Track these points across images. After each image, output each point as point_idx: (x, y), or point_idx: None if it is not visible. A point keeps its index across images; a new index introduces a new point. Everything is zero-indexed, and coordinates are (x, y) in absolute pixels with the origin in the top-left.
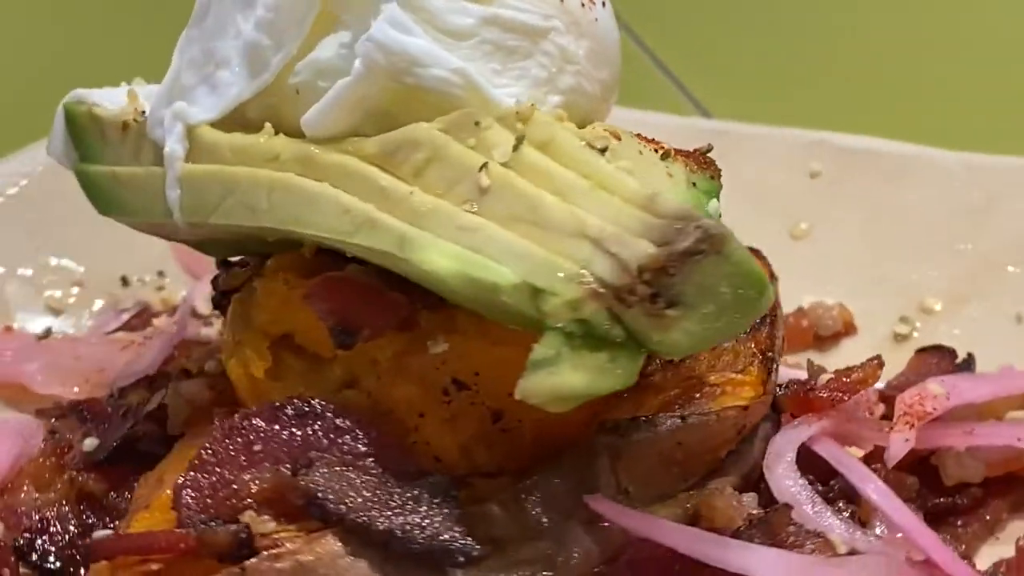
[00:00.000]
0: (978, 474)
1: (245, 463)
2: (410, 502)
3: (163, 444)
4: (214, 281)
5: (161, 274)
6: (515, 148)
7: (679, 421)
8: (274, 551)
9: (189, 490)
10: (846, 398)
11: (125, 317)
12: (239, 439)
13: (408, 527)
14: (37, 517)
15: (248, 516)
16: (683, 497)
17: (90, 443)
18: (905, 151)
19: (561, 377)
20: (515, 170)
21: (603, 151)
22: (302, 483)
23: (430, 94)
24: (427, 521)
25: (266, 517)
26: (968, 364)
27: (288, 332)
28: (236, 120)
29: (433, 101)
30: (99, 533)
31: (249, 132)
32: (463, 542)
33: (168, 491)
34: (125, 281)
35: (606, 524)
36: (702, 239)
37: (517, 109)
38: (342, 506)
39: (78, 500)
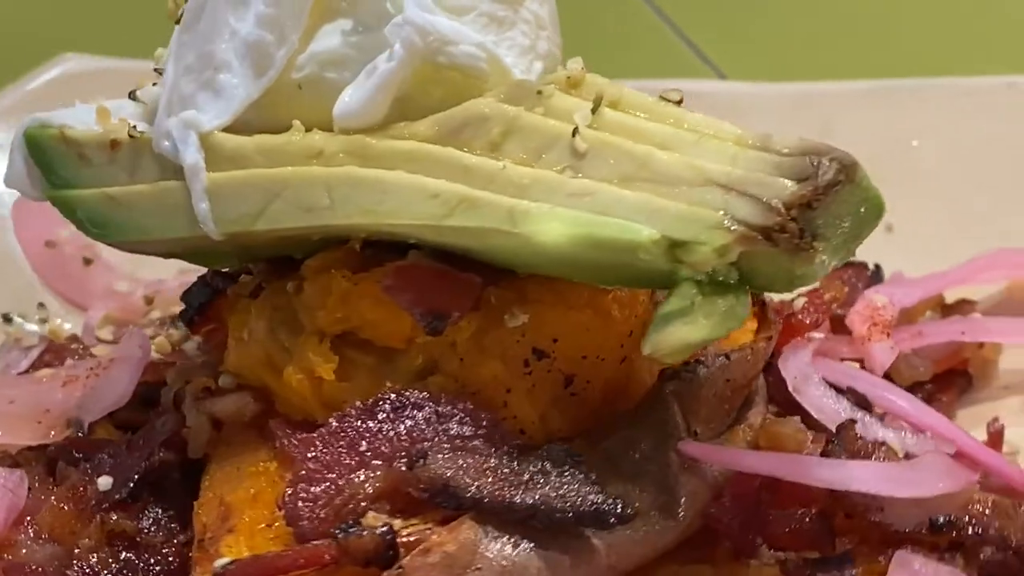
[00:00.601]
0: (927, 372)
1: (355, 464)
2: (538, 475)
3: (178, 469)
4: (186, 296)
5: (42, 306)
6: (594, 111)
7: (725, 359)
8: (423, 546)
9: (300, 503)
10: (824, 318)
11: (35, 354)
12: (343, 442)
13: (549, 499)
14: (81, 568)
15: (371, 517)
16: (739, 431)
17: (105, 482)
18: None
19: (692, 326)
20: (605, 131)
21: (679, 103)
22: (424, 475)
23: (457, 71)
24: (564, 489)
25: (385, 516)
26: (878, 275)
27: (349, 329)
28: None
29: (455, 79)
30: (222, 562)
31: (246, 134)
32: (611, 503)
33: (246, 514)
34: (7, 318)
35: (699, 467)
36: (840, 170)
37: (568, 74)
38: (474, 490)
39: (109, 542)
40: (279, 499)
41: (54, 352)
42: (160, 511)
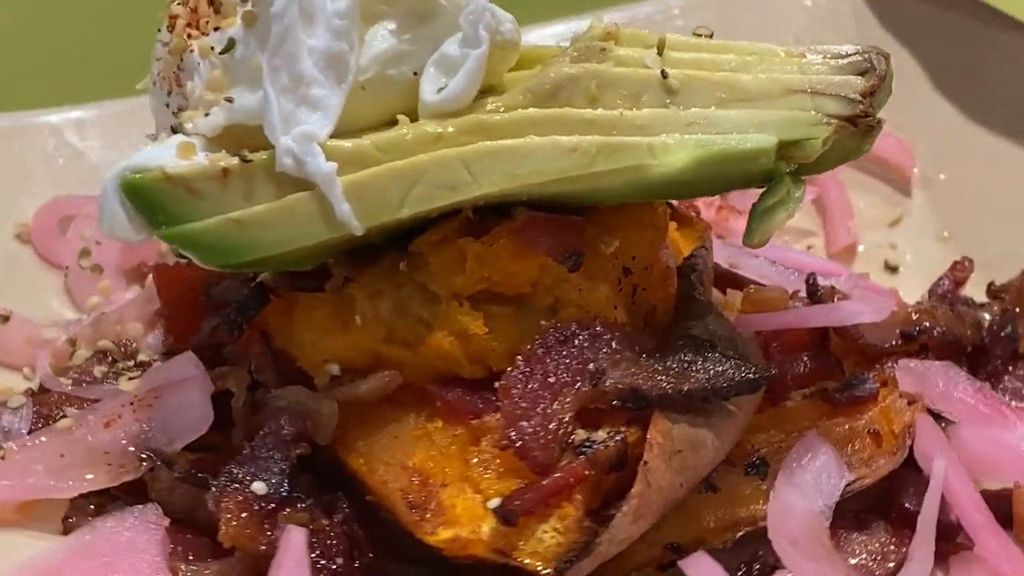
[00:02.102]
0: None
1: (550, 396)
2: (690, 364)
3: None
4: (241, 306)
5: None
6: (660, 53)
7: (704, 250)
8: (648, 442)
9: (525, 438)
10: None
11: (28, 412)
12: (535, 381)
13: (712, 380)
14: None
15: (582, 433)
16: (726, 303)
17: (260, 487)
18: None
19: (786, 212)
20: (680, 68)
21: (711, 36)
22: (611, 388)
23: (506, 48)
24: (716, 370)
25: (583, 431)
26: None
27: (483, 288)
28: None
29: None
30: (495, 503)
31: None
32: (755, 371)
33: (445, 469)
34: None
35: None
36: (886, 61)
37: (607, 30)
38: (656, 390)
39: None
40: (498, 442)
41: (44, 406)
42: (311, 499)
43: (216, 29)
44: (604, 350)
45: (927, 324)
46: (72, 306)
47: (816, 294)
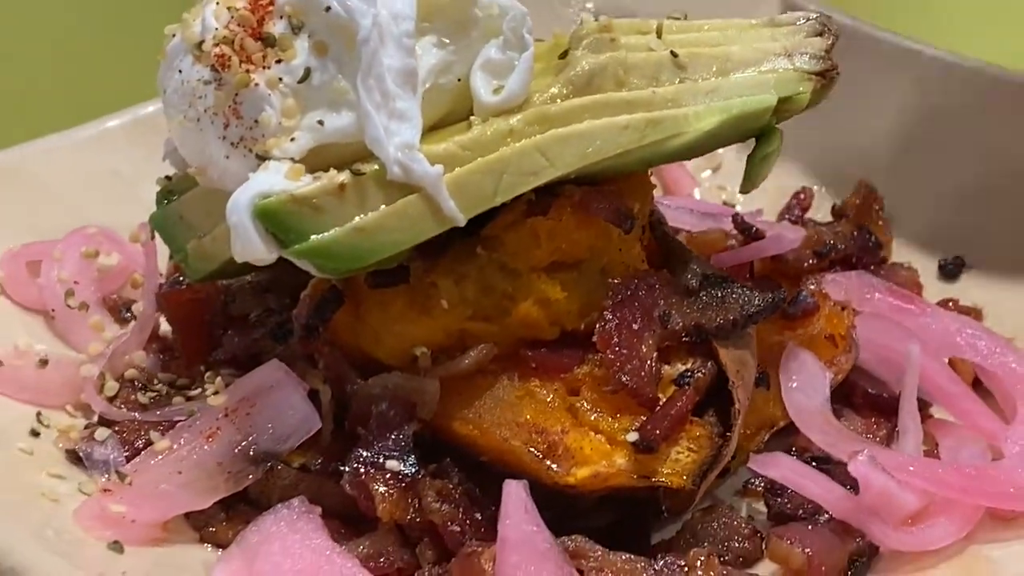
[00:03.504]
0: None
1: (638, 341)
2: (727, 296)
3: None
4: (317, 310)
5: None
6: (659, 36)
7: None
8: (727, 370)
9: (631, 377)
10: None
11: (116, 442)
12: (624, 331)
13: (746, 307)
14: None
15: (667, 369)
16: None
17: (394, 465)
18: None
19: (774, 159)
20: (681, 48)
21: (686, 17)
22: (680, 326)
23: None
24: (744, 299)
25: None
26: None
27: (554, 260)
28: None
29: None
30: (632, 436)
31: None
32: (773, 295)
33: (558, 420)
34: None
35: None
36: (833, 21)
37: (603, 24)
38: (712, 323)
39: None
40: (608, 385)
41: (123, 434)
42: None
43: (278, 62)
44: (660, 297)
45: (831, 242)
46: (65, 345)
47: (750, 231)
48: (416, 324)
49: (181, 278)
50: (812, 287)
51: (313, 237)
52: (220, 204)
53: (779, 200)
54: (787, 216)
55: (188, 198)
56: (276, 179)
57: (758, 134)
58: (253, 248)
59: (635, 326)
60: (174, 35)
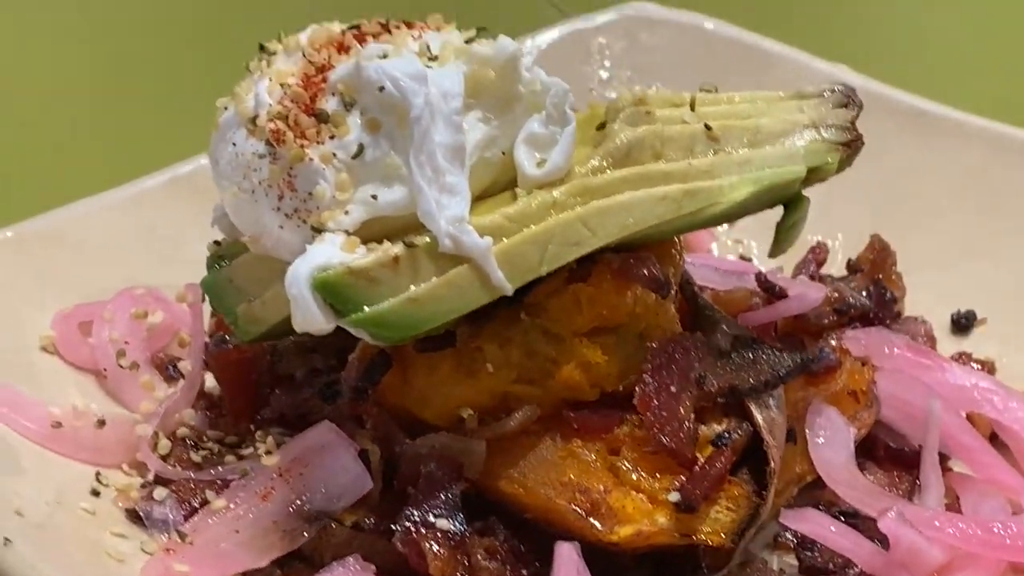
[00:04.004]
0: None
1: (674, 403)
2: (758, 357)
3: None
4: (364, 373)
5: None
6: (692, 109)
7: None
8: (762, 431)
9: (671, 438)
10: None
11: (173, 502)
12: (663, 394)
13: (778, 367)
14: None
15: (704, 429)
16: None
17: (444, 524)
18: None
19: (803, 225)
20: (713, 119)
21: (716, 90)
22: (715, 387)
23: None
24: (775, 359)
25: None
26: None
27: (596, 325)
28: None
29: None
30: (674, 495)
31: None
32: (803, 356)
33: (600, 478)
34: (98, 481)
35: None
36: (855, 92)
37: (639, 96)
38: (746, 384)
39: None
40: (647, 447)
41: (179, 493)
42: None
43: (331, 137)
44: (696, 359)
45: (850, 300)
46: (117, 404)
47: (774, 290)
48: (462, 386)
49: (226, 336)
50: (833, 343)
51: (369, 308)
52: (270, 270)
53: (793, 253)
54: (803, 270)
55: (238, 263)
56: (333, 252)
57: (786, 202)
58: (313, 319)
59: (673, 388)
60: (226, 108)
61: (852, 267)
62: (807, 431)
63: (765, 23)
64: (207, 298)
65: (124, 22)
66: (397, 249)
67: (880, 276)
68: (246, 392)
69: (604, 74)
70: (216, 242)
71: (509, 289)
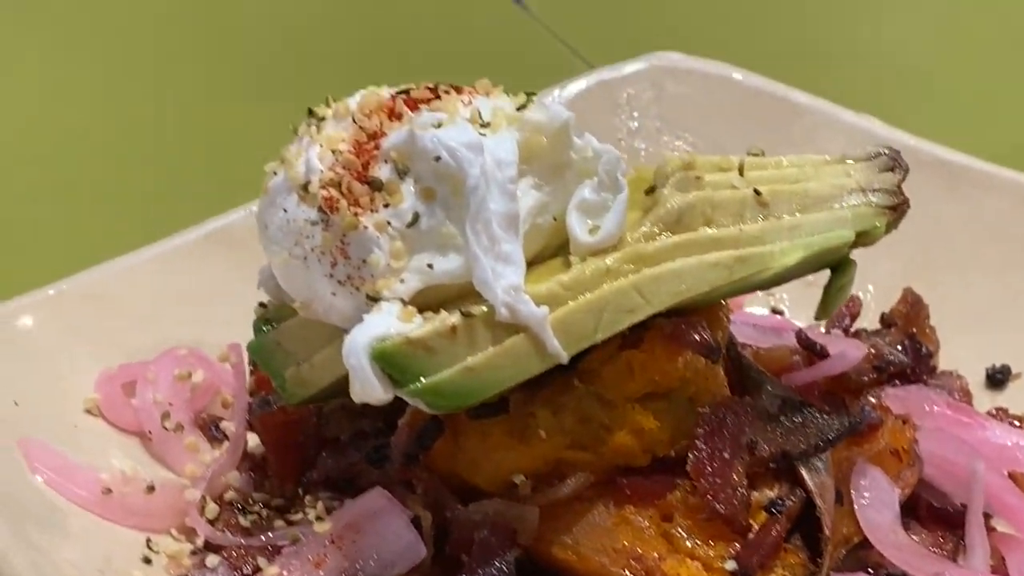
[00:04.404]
0: None
1: (729, 469)
2: (807, 420)
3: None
4: (416, 439)
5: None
6: (741, 174)
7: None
8: (815, 497)
9: (724, 506)
10: None
11: (224, 571)
12: (716, 460)
13: (827, 431)
14: None
15: (756, 495)
16: None
17: None
18: None
19: (850, 288)
20: (762, 184)
21: (763, 153)
22: (767, 453)
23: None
24: (823, 422)
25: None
26: None
27: (648, 391)
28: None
29: None
30: (730, 564)
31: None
32: (850, 418)
33: (654, 546)
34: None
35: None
36: (900, 155)
37: (687, 161)
38: (797, 449)
39: None
40: (703, 513)
41: (230, 560)
42: None
43: (386, 205)
44: (746, 423)
45: (889, 356)
46: (163, 467)
47: (814, 348)
48: (515, 452)
49: (268, 397)
50: (873, 401)
51: (426, 378)
52: (318, 333)
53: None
54: (837, 324)
55: (286, 327)
56: (391, 321)
57: (834, 265)
58: (371, 389)
59: (726, 455)
60: (275, 173)
61: (886, 321)
62: (852, 492)
63: (785, 69)
64: (248, 358)
65: (152, 78)
66: (454, 319)
67: (914, 330)
68: (292, 454)
69: (633, 124)
70: (261, 304)
71: (565, 357)
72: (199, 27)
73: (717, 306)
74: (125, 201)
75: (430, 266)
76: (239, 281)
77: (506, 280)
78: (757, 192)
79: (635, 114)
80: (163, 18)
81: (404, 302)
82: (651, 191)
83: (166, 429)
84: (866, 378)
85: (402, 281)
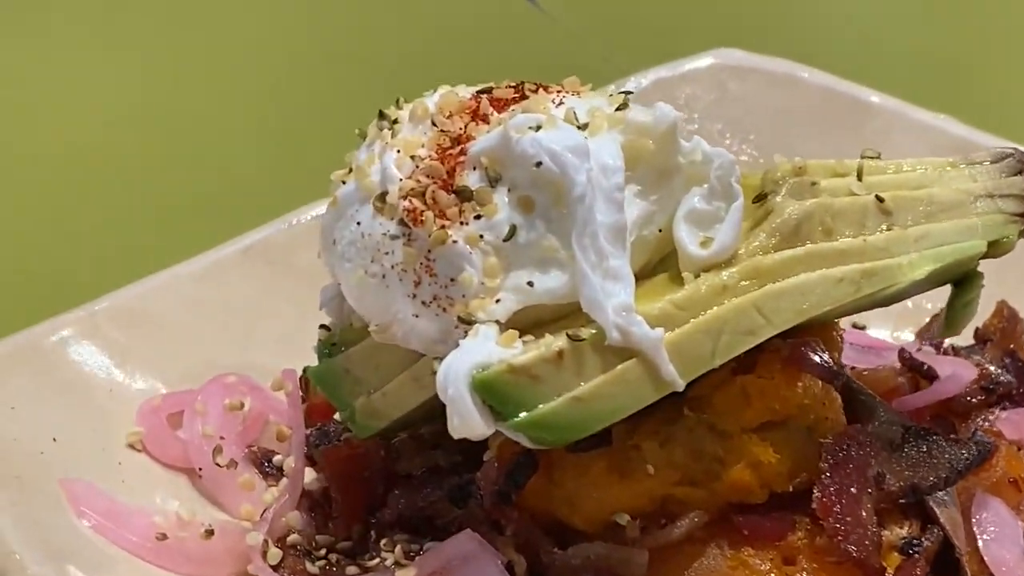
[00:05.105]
0: None
1: (854, 506)
2: (933, 451)
3: None
4: (508, 476)
5: None
6: (859, 178)
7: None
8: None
9: (854, 546)
10: None
11: None
12: (844, 497)
13: (956, 461)
14: None
15: (887, 534)
16: None
17: None
18: None
19: (978, 302)
20: (881, 191)
21: (879, 156)
22: (896, 487)
23: None
24: (950, 453)
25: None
26: None
27: (764, 420)
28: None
29: None
30: None
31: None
32: (978, 446)
33: None
34: None
35: None
36: None
37: (798, 165)
38: (927, 482)
39: None
40: (832, 555)
41: None
42: None
43: (477, 217)
44: (872, 455)
45: (999, 376)
46: (215, 507)
47: (922, 369)
48: (617, 489)
49: (327, 428)
50: (985, 426)
51: (529, 410)
52: (391, 359)
53: (906, 319)
54: (926, 339)
55: (355, 352)
56: (491, 347)
57: (960, 279)
58: (472, 423)
59: (853, 490)
60: (344, 182)
61: (980, 336)
62: (975, 528)
63: (851, 65)
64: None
65: (189, 91)
66: (560, 343)
67: (1013, 346)
68: (359, 492)
69: (692, 126)
70: (324, 326)
71: (681, 385)
72: (238, 38)
73: (830, 325)
74: (155, 215)
75: (530, 284)
76: (281, 298)
77: (616, 299)
78: (879, 199)
79: (695, 115)
80: (206, 31)
81: (501, 325)
82: (760, 199)
83: (218, 466)
84: (974, 400)
85: (498, 301)
